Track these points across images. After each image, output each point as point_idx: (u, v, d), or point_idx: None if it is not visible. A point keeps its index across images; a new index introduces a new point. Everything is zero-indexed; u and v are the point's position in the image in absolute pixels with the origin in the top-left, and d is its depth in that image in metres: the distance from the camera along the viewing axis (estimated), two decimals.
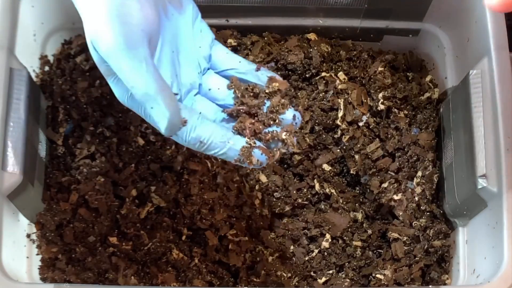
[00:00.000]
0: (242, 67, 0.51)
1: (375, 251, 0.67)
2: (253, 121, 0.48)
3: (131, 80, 0.42)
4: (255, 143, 0.47)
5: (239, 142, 0.47)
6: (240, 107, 0.49)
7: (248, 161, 0.47)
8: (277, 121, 0.49)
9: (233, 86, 0.50)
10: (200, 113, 0.48)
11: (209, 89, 0.51)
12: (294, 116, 0.49)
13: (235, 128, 0.48)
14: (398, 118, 0.70)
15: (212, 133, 0.46)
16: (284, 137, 0.48)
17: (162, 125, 0.44)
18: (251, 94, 0.49)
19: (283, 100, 0.49)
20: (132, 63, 0.42)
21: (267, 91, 0.49)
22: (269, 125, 0.49)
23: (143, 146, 0.67)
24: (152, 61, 0.43)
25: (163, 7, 0.47)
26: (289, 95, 0.58)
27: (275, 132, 0.48)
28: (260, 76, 0.50)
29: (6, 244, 0.55)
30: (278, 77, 0.50)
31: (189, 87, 0.49)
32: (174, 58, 0.48)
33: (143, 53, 0.42)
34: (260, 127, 0.48)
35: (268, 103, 0.49)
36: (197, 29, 0.51)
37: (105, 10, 0.41)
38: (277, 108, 0.49)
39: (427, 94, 0.71)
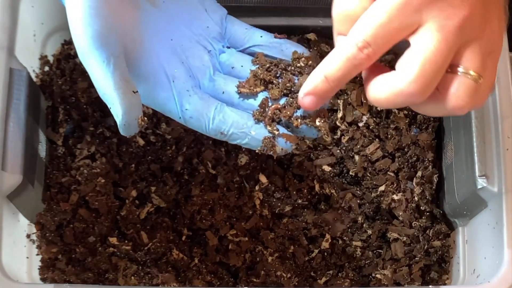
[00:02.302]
0: (264, 42, 0.50)
1: (375, 251, 0.67)
2: (279, 106, 0.46)
3: (94, 80, 0.42)
4: (278, 130, 0.46)
5: (261, 131, 0.46)
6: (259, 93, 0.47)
7: (271, 151, 0.46)
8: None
9: (257, 62, 0.48)
10: (223, 92, 0.47)
11: (232, 67, 0.50)
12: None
13: (255, 117, 0.46)
14: (398, 118, 0.70)
15: (232, 123, 0.46)
16: (318, 123, 0.46)
17: (118, 124, 0.42)
18: (272, 71, 0.47)
19: None
20: (95, 63, 0.42)
21: (292, 67, 0.48)
22: (298, 108, 0.46)
23: (143, 147, 0.67)
24: (116, 60, 0.42)
25: None
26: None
27: (308, 117, 0.46)
28: (285, 51, 0.49)
29: (6, 245, 0.55)
30: (304, 50, 0.49)
31: (203, 68, 0.48)
32: (175, 45, 0.48)
33: (107, 53, 0.42)
34: (288, 113, 0.46)
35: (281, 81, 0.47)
36: (201, 9, 0.50)
37: (77, 14, 0.42)
38: None
39: None
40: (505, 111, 0.57)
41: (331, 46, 0.72)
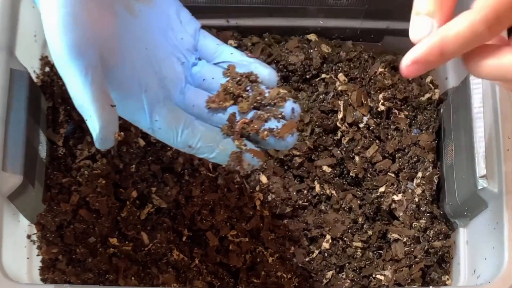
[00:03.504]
0: (234, 59, 0.50)
1: (375, 252, 0.67)
2: (246, 120, 0.46)
3: (71, 90, 0.41)
4: (245, 145, 0.46)
5: (229, 146, 0.46)
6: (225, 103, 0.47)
7: (238, 166, 0.46)
8: (279, 115, 0.47)
9: (228, 74, 0.48)
10: (193, 105, 0.47)
11: (203, 80, 0.49)
12: (292, 108, 0.47)
13: (223, 131, 0.46)
14: (399, 119, 0.70)
15: (201, 137, 0.45)
16: (285, 136, 0.46)
17: (94, 137, 0.41)
18: (243, 84, 0.47)
19: (282, 92, 0.47)
20: (73, 74, 0.40)
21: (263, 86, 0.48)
22: (266, 121, 0.47)
23: (143, 147, 0.67)
24: (94, 71, 0.41)
25: (126, 5, 0.46)
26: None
27: (275, 130, 0.46)
28: (254, 71, 0.49)
29: (6, 245, 0.55)
30: (272, 71, 0.49)
31: (176, 80, 0.48)
32: (150, 55, 0.47)
33: (85, 63, 0.40)
34: (255, 126, 0.46)
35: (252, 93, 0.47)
36: (176, 20, 0.50)
37: (53, 21, 0.40)
38: (275, 101, 0.47)
39: (427, 95, 0.71)
40: (505, 111, 0.57)
41: (332, 46, 0.73)
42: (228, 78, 0.48)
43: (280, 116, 0.47)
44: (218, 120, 0.48)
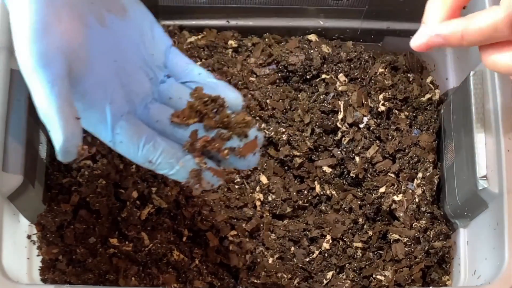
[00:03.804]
0: (201, 79, 0.49)
1: (375, 252, 0.67)
2: (208, 138, 0.46)
3: (36, 100, 0.40)
4: (205, 163, 0.46)
5: (190, 163, 0.46)
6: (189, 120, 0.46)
7: (197, 184, 0.45)
8: (241, 135, 0.46)
9: (196, 95, 0.47)
10: (157, 121, 0.47)
11: (170, 98, 0.49)
12: (256, 137, 0.47)
13: (185, 148, 0.46)
14: (399, 119, 0.70)
15: (161, 153, 0.45)
16: (246, 155, 0.46)
17: (56, 149, 0.41)
18: (209, 106, 0.46)
19: (247, 118, 0.47)
20: (39, 83, 0.39)
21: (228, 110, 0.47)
22: (229, 139, 0.46)
23: None
24: (61, 81, 0.40)
25: (98, 16, 0.45)
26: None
27: (237, 149, 0.46)
28: (221, 92, 0.48)
29: (6, 245, 0.55)
30: (238, 95, 0.49)
31: (142, 95, 0.48)
32: (118, 68, 0.46)
33: (52, 74, 0.39)
34: (217, 145, 0.46)
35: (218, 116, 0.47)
36: (148, 36, 0.49)
37: (23, 28, 0.39)
38: (240, 125, 0.46)
39: (427, 95, 0.71)
40: (506, 112, 0.57)
41: (332, 47, 0.73)
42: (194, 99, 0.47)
43: (242, 135, 0.47)
44: (181, 137, 0.47)
